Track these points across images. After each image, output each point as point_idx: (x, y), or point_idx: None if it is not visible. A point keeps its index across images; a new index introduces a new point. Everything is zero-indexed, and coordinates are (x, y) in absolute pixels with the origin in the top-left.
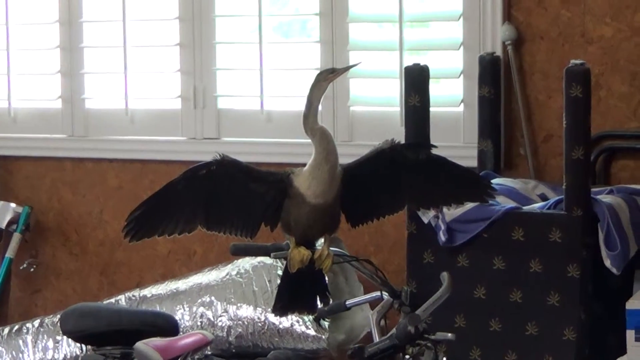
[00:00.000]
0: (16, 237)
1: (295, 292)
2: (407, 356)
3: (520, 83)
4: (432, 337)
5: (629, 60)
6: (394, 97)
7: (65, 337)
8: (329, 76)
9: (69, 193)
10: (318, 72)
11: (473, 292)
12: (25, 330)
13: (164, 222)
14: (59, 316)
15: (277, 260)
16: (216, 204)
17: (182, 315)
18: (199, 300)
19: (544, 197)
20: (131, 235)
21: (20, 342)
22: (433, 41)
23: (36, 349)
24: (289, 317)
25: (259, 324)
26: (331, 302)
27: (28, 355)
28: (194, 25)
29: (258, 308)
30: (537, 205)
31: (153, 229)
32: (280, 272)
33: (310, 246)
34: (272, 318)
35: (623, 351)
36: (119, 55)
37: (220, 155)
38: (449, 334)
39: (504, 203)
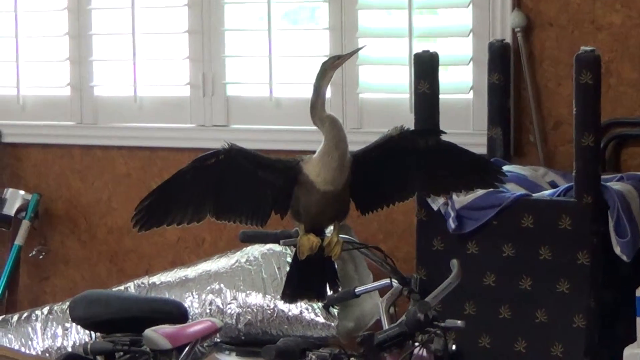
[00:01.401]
0: (25, 225)
1: (304, 280)
2: (416, 343)
3: (529, 70)
4: (442, 324)
5: (639, 47)
6: (403, 84)
7: (74, 324)
8: (335, 63)
9: (78, 180)
10: (324, 59)
11: (483, 280)
12: (34, 318)
13: (173, 211)
14: (68, 303)
15: (287, 247)
16: (225, 193)
17: (191, 302)
18: (208, 288)
19: (553, 184)
20: (140, 225)
21: (30, 329)
22: (442, 28)
23: (45, 336)
24: (298, 304)
25: (268, 312)
26: (340, 289)
27: (37, 342)
28: (202, 12)
29: (267, 295)
30: (546, 193)
31: (162, 218)
32: (289, 260)
33: (320, 233)
34: (282, 305)
35: (633, 338)
36: (128, 42)
37: (228, 145)
38: (459, 322)
39: (514, 190)
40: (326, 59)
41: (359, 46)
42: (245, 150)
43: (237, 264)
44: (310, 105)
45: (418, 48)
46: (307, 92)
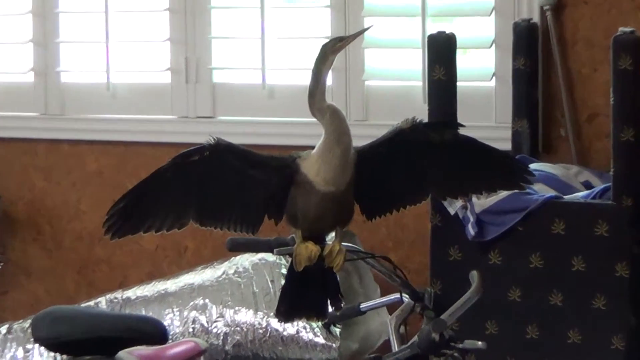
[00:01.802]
0: None
1: (301, 294)
2: None
3: (560, 54)
4: (460, 345)
5: None
6: (415, 70)
7: (36, 345)
8: (337, 45)
9: (42, 180)
10: (325, 42)
11: (507, 294)
12: None
13: (151, 216)
14: (29, 321)
15: (281, 257)
16: (211, 195)
17: (171, 320)
18: (191, 303)
19: (588, 185)
20: (113, 232)
21: None
22: (461, 5)
23: (4, 359)
24: (295, 322)
25: (260, 331)
26: (343, 305)
27: None
28: None
29: (259, 312)
30: (580, 194)
31: (138, 224)
32: (284, 271)
33: (320, 241)
34: (275, 324)
35: None
36: (100, 21)
37: (214, 139)
38: (479, 342)
39: (542, 191)
40: (327, 40)
41: (365, 26)
42: (234, 146)
43: (224, 276)
44: (309, 94)
45: (433, 29)
46: (305, 79)
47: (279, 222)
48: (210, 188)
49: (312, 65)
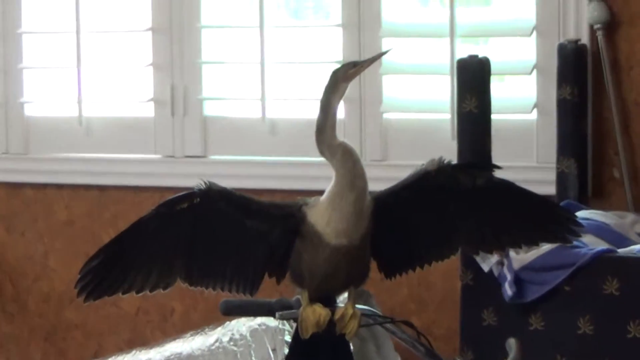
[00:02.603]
0: None
1: None
2: None
3: (614, 81)
4: None
5: None
6: (442, 100)
7: None
8: (351, 72)
9: (2, 230)
10: (336, 67)
11: None
12: None
13: (131, 274)
14: None
15: (284, 322)
16: (201, 250)
17: None
18: None
19: None
20: (87, 293)
21: None
22: (496, 24)
23: None
24: None
25: None
26: None
27: None
28: (171, 3)
29: None
30: (637, 248)
31: (116, 284)
32: (288, 338)
33: (330, 303)
34: None
35: None
36: (71, 43)
37: (205, 183)
38: None
39: (593, 244)
40: (338, 66)
41: (383, 49)
42: (229, 191)
43: (217, 344)
44: (317, 129)
45: (463, 52)
46: (312, 112)
47: (281, 281)
48: (201, 241)
49: (320, 95)
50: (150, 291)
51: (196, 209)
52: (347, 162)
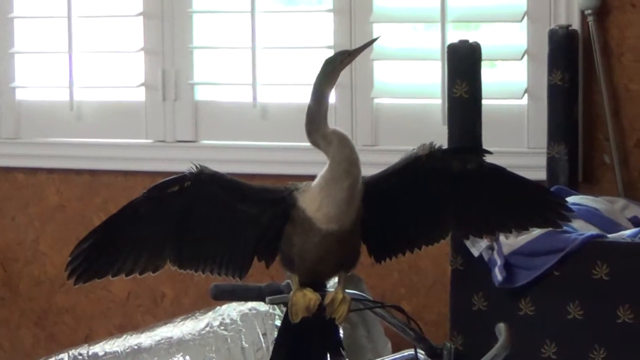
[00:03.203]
0: None
1: (298, 350)
2: None
3: (605, 67)
4: None
5: None
6: (433, 85)
7: None
8: (345, 61)
9: None
10: (328, 56)
11: (540, 350)
12: None
13: (121, 257)
14: None
15: (275, 306)
16: (191, 233)
17: None
18: None
19: (636, 222)
20: (77, 276)
21: None
22: (486, 10)
23: None
24: None
25: None
26: None
27: None
28: None
29: None
30: (627, 233)
31: (106, 267)
32: (278, 323)
33: (320, 288)
34: None
35: None
36: (62, 28)
37: (196, 167)
38: None
39: (583, 229)
40: (331, 55)
41: (374, 35)
42: (220, 175)
43: (208, 328)
44: (308, 117)
45: (454, 37)
46: (304, 97)
47: (270, 265)
48: (191, 225)
49: (312, 80)
50: (140, 274)
51: (187, 193)
52: (344, 149)
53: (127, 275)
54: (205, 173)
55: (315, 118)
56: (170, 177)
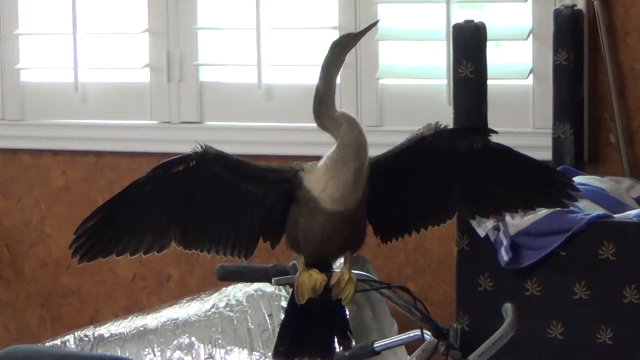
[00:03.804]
0: None
1: (304, 331)
2: None
3: (610, 46)
4: None
5: None
6: (438, 66)
7: None
8: (350, 43)
9: None
10: (335, 39)
11: (547, 331)
12: None
13: (125, 236)
14: None
15: (281, 287)
16: (196, 213)
17: None
18: (175, 342)
19: None
20: (81, 254)
21: None
22: None
23: None
24: None
25: None
26: (354, 344)
27: None
28: None
29: (254, 352)
30: (633, 213)
31: (110, 245)
32: (284, 304)
33: (326, 269)
34: None
35: None
36: (67, 10)
37: (202, 147)
38: None
39: (589, 210)
40: (335, 35)
41: (379, 15)
42: (225, 155)
43: (213, 309)
44: (316, 100)
45: (459, 17)
46: (309, 78)
47: (276, 245)
48: (196, 204)
49: (316, 61)
50: (145, 253)
51: (192, 172)
52: (354, 132)
53: (131, 254)
54: (210, 153)
55: (324, 101)
56: (175, 157)
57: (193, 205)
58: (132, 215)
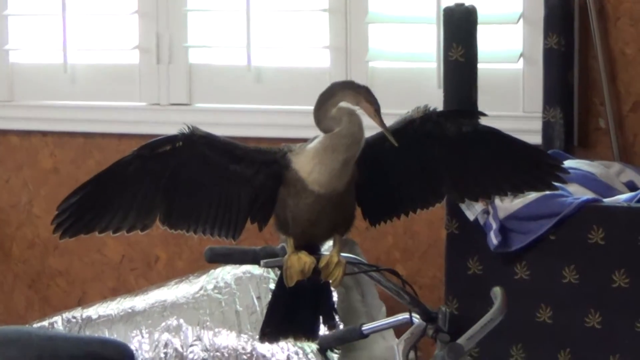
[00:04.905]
0: None
1: (292, 313)
2: None
3: (601, 31)
4: None
5: None
6: (428, 49)
7: None
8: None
9: None
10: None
11: (535, 315)
12: None
13: (108, 214)
14: None
15: (269, 269)
16: (182, 193)
17: (139, 343)
18: (163, 324)
19: (631, 186)
20: (63, 230)
21: None
22: None
23: None
24: (284, 345)
25: (244, 356)
26: (342, 326)
27: None
28: None
29: (243, 335)
30: (622, 197)
31: (93, 222)
32: (272, 286)
33: (314, 251)
34: (262, 348)
35: None
36: None
37: (189, 128)
38: None
39: (578, 194)
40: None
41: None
42: (212, 136)
43: (202, 292)
44: (317, 104)
45: (449, 0)
46: (298, 60)
47: (263, 227)
48: (182, 185)
49: (306, 43)
50: (128, 232)
51: (179, 153)
52: (353, 127)
53: (114, 232)
54: (197, 134)
55: (323, 106)
56: (162, 137)
57: (179, 186)
58: (116, 193)
